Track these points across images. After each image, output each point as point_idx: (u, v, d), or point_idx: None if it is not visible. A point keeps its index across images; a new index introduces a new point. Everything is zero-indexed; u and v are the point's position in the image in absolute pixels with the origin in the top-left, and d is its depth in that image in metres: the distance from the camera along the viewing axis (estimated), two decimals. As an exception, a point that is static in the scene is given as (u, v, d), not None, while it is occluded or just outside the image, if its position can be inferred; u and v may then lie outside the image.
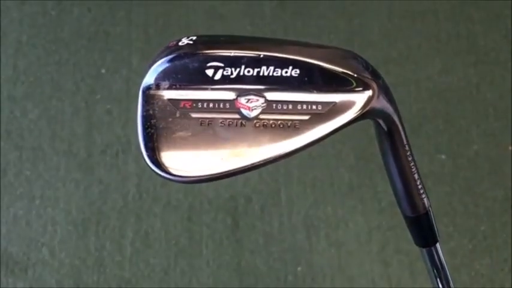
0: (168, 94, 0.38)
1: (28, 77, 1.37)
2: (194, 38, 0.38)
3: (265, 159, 0.37)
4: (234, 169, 0.37)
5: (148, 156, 0.38)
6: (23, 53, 1.40)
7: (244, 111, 0.37)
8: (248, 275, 1.18)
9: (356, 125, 1.32)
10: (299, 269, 1.19)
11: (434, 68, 1.38)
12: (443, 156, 1.29)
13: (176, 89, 0.38)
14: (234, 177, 1.21)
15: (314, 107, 0.37)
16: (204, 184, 1.25)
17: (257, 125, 0.37)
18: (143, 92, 0.38)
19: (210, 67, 0.37)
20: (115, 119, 1.33)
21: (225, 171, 0.37)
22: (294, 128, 0.37)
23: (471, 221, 1.23)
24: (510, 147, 1.30)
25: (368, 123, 1.29)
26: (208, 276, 1.18)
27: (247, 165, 0.37)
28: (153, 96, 0.38)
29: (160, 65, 0.38)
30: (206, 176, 0.37)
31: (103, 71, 1.38)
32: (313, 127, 0.37)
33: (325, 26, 1.44)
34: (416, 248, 1.26)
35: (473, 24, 1.44)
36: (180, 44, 0.38)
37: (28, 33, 1.43)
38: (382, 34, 1.43)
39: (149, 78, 0.38)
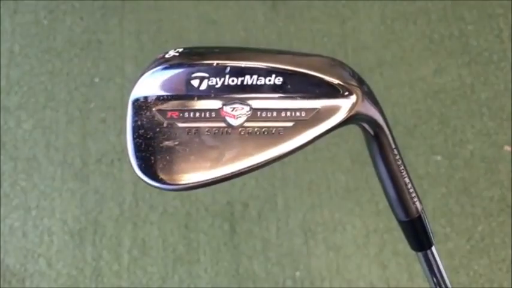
0: (155, 105, 0.39)
1: (21, 87, 1.37)
2: (180, 50, 0.39)
3: (251, 166, 0.38)
4: (220, 176, 0.38)
5: (138, 165, 0.38)
6: (16, 63, 1.40)
7: (230, 120, 0.38)
8: (246, 280, 1.18)
9: (351, 128, 1.32)
10: (297, 273, 1.18)
11: (428, 69, 1.39)
12: (438, 157, 1.29)
13: (163, 99, 0.39)
14: (230, 183, 1.21)
15: (298, 113, 0.38)
16: (200, 191, 1.25)
17: (242, 133, 0.38)
18: (133, 103, 0.39)
19: (196, 77, 0.38)
20: (109, 127, 1.32)
21: (212, 178, 0.38)
22: (278, 135, 0.38)
23: (468, 222, 1.23)
24: (505, 147, 1.30)
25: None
26: (206, 283, 1.17)
27: (234, 172, 0.37)
28: (141, 107, 0.39)
29: (147, 77, 0.39)
30: (194, 183, 0.38)
31: (96, 79, 1.38)
32: (297, 133, 0.38)
33: (318, 29, 1.44)
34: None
35: (465, 25, 1.44)
36: (166, 56, 0.39)
37: (21, 43, 1.42)
38: (375, 36, 1.43)
39: (137, 90, 0.39)
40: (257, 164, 0.37)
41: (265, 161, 0.38)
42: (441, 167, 1.28)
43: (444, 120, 1.33)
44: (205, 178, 0.38)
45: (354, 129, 1.38)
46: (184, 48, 0.39)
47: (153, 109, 0.39)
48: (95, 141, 1.31)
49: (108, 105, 1.35)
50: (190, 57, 0.39)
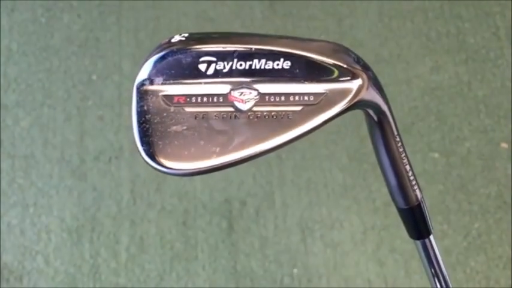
0: (161, 89, 0.38)
1: (19, 85, 1.37)
2: (186, 34, 0.39)
3: (261, 150, 0.37)
4: (230, 161, 0.37)
5: (144, 150, 0.38)
6: (14, 61, 1.40)
7: (238, 104, 0.38)
8: (244, 278, 1.18)
9: (348, 125, 1.32)
10: (295, 270, 1.19)
11: (425, 67, 1.39)
12: (436, 155, 1.29)
13: (170, 84, 0.38)
14: (228, 180, 1.21)
15: (306, 98, 0.38)
16: (198, 188, 1.25)
17: (251, 117, 0.38)
18: (137, 88, 0.39)
19: (203, 62, 0.38)
20: (107, 125, 1.32)
21: (222, 163, 0.37)
22: (287, 119, 0.38)
23: (465, 219, 1.23)
24: (502, 144, 1.31)
25: (360, 122, 1.28)
26: (204, 280, 1.18)
27: (244, 156, 0.37)
28: (147, 92, 0.39)
29: (153, 61, 0.38)
30: (203, 168, 0.38)
31: (94, 77, 1.38)
32: (306, 117, 0.38)
33: (315, 27, 1.44)
34: (411, 247, 1.27)
35: (462, 22, 1.45)
36: (172, 40, 0.39)
37: (18, 41, 1.42)
38: (373, 34, 1.43)
39: (143, 75, 0.39)
40: (267, 148, 0.37)
41: (275, 145, 0.37)
42: (438, 164, 1.28)
43: (441, 118, 1.33)
44: (215, 163, 0.37)
45: (351, 126, 1.38)
46: (190, 33, 0.39)
47: (160, 94, 0.38)
48: (93, 138, 1.31)
49: (106, 103, 1.35)
50: (198, 41, 0.38)
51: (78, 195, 1.25)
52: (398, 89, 1.35)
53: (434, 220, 1.22)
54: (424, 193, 0.49)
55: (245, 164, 1.26)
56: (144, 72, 0.39)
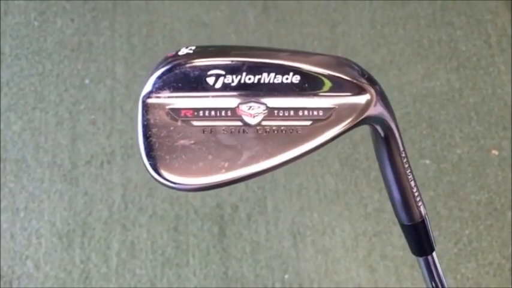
0: (168, 103, 0.38)
1: (11, 89, 1.37)
2: (193, 47, 0.38)
3: (271, 165, 0.37)
4: (239, 176, 0.37)
5: (151, 165, 0.37)
6: (6, 64, 1.39)
7: (247, 118, 0.37)
8: (235, 283, 1.18)
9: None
10: (286, 276, 1.18)
11: (417, 74, 1.40)
12: (427, 161, 1.30)
13: (177, 97, 0.38)
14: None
15: (315, 112, 0.38)
16: (190, 193, 1.25)
17: (260, 132, 0.37)
18: (143, 101, 0.38)
19: (211, 75, 0.37)
20: (99, 129, 1.32)
21: (231, 179, 0.37)
22: (296, 134, 0.37)
23: (456, 225, 1.24)
24: (493, 151, 1.31)
25: (355, 130, 1.29)
26: (195, 285, 1.17)
27: (253, 172, 0.37)
28: (154, 105, 0.38)
29: (160, 74, 0.38)
30: (211, 183, 0.37)
31: (87, 81, 1.38)
32: (315, 132, 0.38)
33: (308, 33, 1.45)
34: (402, 254, 1.27)
35: (454, 30, 1.46)
36: (179, 53, 0.38)
37: (11, 44, 1.42)
38: (365, 41, 1.44)
39: (149, 88, 0.38)
40: (277, 163, 0.37)
41: (285, 160, 0.37)
42: (429, 171, 1.29)
43: (433, 124, 1.34)
44: (224, 178, 0.37)
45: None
46: (197, 46, 0.38)
47: (166, 107, 0.38)
48: (85, 143, 1.30)
49: (98, 107, 1.34)
50: (206, 54, 0.38)
51: (69, 200, 1.25)
52: (390, 95, 1.35)
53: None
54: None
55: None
56: (150, 85, 0.38)
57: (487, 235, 1.23)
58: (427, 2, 1.49)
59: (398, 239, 1.20)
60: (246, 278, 1.18)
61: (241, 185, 1.26)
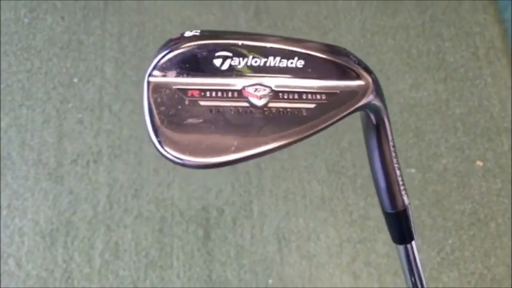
0: (175, 82, 0.38)
1: (-2, 85, 1.35)
2: (199, 31, 0.39)
3: (278, 145, 0.38)
4: (248, 155, 0.37)
5: (160, 142, 0.37)
6: (-6, 60, 1.38)
7: (253, 100, 0.38)
8: (219, 287, 1.17)
9: (328, 138, 1.32)
10: (270, 281, 1.18)
11: (405, 83, 1.41)
12: (412, 170, 1.31)
13: (184, 77, 0.38)
14: (206, 188, 1.20)
15: (318, 96, 0.39)
16: (176, 195, 1.25)
17: (266, 113, 0.38)
18: (149, 81, 0.38)
19: (218, 57, 0.38)
20: (86, 128, 1.31)
21: (240, 157, 0.37)
22: (302, 115, 0.39)
23: (439, 234, 1.25)
24: (477, 162, 1.33)
25: (341, 135, 1.29)
26: (178, 288, 1.17)
27: (261, 151, 0.37)
28: (160, 84, 0.38)
29: (165, 55, 0.38)
30: (222, 161, 0.37)
31: (75, 80, 1.37)
32: (319, 115, 0.39)
33: (299, 39, 1.45)
34: (386, 261, 1.28)
35: (443, 41, 1.48)
36: (185, 35, 0.39)
37: (0, 41, 1.41)
38: (355, 49, 1.45)
39: (155, 67, 0.38)
40: (284, 143, 0.38)
41: (293, 140, 0.38)
42: (415, 180, 1.30)
43: (419, 134, 1.35)
44: (233, 157, 0.37)
45: (330, 139, 1.39)
46: (203, 30, 0.39)
47: (173, 87, 0.38)
48: (71, 141, 1.29)
49: (86, 106, 1.34)
50: (214, 36, 0.39)
51: (53, 198, 1.24)
52: (378, 104, 1.37)
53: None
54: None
55: (224, 172, 1.26)
56: (155, 65, 0.38)
57: (469, 245, 1.24)
58: (417, 13, 1.51)
59: (383, 246, 1.21)
60: (229, 282, 1.18)
61: (228, 188, 1.26)
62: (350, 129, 1.28)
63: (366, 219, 1.24)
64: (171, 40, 0.39)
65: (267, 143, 0.38)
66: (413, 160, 1.32)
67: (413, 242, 0.52)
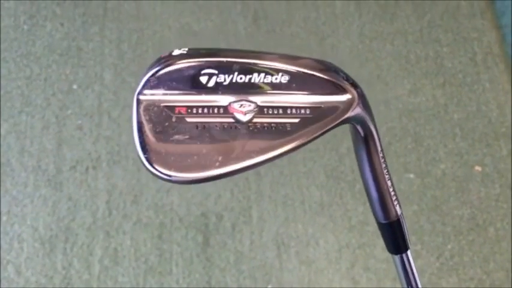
0: (163, 100, 0.39)
1: (-3, 91, 1.36)
2: (186, 49, 0.40)
3: (262, 159, 0.39)
4: (233, 169, 0.38)
5: (147, 158, 0.38)
6: (-7, 67, 1.38)
7: (238, 115, 0.39)
8: (218, 293, 1.17)
9: (327, 143, 1.33)
10: (269, 286, 1.18)
11: (403, 89, 1.42)
12: (411, 175, 1.31)
13: (171, 95, 0.39)
14: (205, 194, 1.20)
15: (303, 111, 0.40)
16: (175, 201, 1.25)
17: (251, 128, 0.39)
18: (137, 98, 0.40)
19: (204, 74, 0.39)
20: (86, 134, 1.31)
21: (224, 172, 0.38)
22: (286, 130, 0.39)
23: (438, 239, 1.25)
24: (476, 167, 1.33)
25: (339, 141, 1.29)
26: (177, 294, 1.17)
27: (246, 166, 0.38)
28: (149, 102, 0.39)
29: (154, 73, 0.39)
30: (206, 176, 0.38)
31: (75, 86, 1.37)
32: (303, 129, 0.40)
33: (297, 45, 1.46)
34: (384, 266, 1.28)
35: (441, 47, 1.48)
36: (173, 54, 0.40)
37: (-1, 47, 1.41)
38: (353, 54, 1.46)
39: (144, 86, 0.40)
40: (268, 157, 0.38)
41: (276, 155, 0.39)
42: (413, 185, 1.30)
43: (418, 139, 1.35)
44: (217, 172, 0.38)
45: (329, 144, 1.39)
46: (190, 48, 0.40)
47: (161, 104, 0.39)
48: (70, 148, 1.30)
49: (85, 112, 1.34)
50: (199, 54, 0.40)
51: (52, 205, 1.24)
52: (377, 109, 1.37)
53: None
54: (399, 213, 0.50)
55: (223, 178, 1.24)
56: (145, 84, 0.39)
57: (468, 250, 1.24)
58: (415, 19, 1.52)
59: (382, 252, 1.21)
60: (229, 288, 1.18)
61: (227, 194, 1.26)
62: (348, 135, 1.28)
63: (365, 224, 1.24)
64: (160, 58, 0.40)
65: (251, 157, 0.38)
66: (412, 165, 1.32)
67: (408, 252, 0.53)
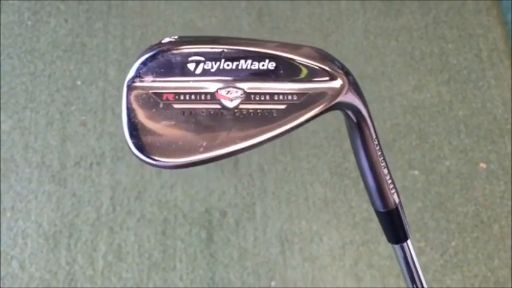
0: (151, 86, 0.40)
1: (2, 87, 1.36)
2: (176, 37, 0.41)
3: (246, 146, 0.39)
4: (216, 155, 0.39)
5: (134, 143, 0.39)
6: (-2, 63, 1.39)
7: (225, 102, 0.39)
8: (222, 289, 1.17)
9: (331, 140, 1.32)
10: (273, 283, 1.18)
11: (408, 85, 1.41)
12: (416, 172, 1.31)
13: (159, 82, 0.40)
14: (209, 191, 1.20)
15: (289, 97, 0.40)
16: (179, 197, 1.25)
17: (237, 114, 0.39)
18: (128, 85, 0.40)
19: (192, 61, 0.39)
20: (90, 130, 1.32)
21: (208, 157, 0.39)
22: (272, 117, 0.39)
23: (443, 236, 1.24)
24: (481, 164, 1.33)
25: (343, 138, 1.29)
26: (181, 290, 1.17)
27: (229, 151, 0.39)
28: (137, 88, 0.40)
29: (144, 60, 0.40)
30: (189, 161, 0.39)
31: (79, 82, 1.37)
32: (290, 115, 0.39)
33: (302, 41, 1.45)
34: (388, 263, 1.27)
35: (446, 43, 1.47)
36: (163, 41, 0.40)
37: (3, 43, 1.41)
38: (358, 51, 1.45)
39: (133, 73, 0.40)
40: (252, 143, 0.39)
41: (260, 141, 0.39)
42: (418, 182, 1.29)
43: (422, 136, 1.35)
44: (202, 157, 0.38)
45: (333, 141, 1.38)
46: (179, 36, 0.41)
47: (150, 91, 0.40)
48: (74, 144, 1.30)
49: (89, 109, 1.34)
50: (187, 42, 0.40)
51: (56, 201, 1.24)
52: (381, 106, 1.37)
53: (412, 237, 1.23)
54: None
55: (227, 174, 1.26)
56: (134, 70, 0.40)
57: (473, 247, 1.23)
58: (420, 15, 1.51)
59: (385, 248, 1.20)
60: (232, 284, 1.18)
61: (231, 190, 1.26)
62: (353, 131, 1.28)
63: (369, 221, 1.24)
64: (150, 46, 0.40)
65: (235, 143, 0.39)
66: (417, 162, 1.32)
67: (408, 241, 0.52)
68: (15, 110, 1.33)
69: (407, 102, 1.39)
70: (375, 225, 1.23)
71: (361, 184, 1.39)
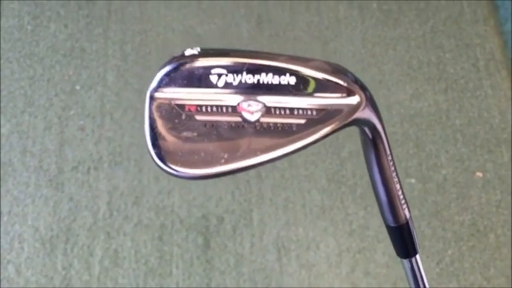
0: (174, 98, 0.41)
1: (1, 91, 1.36)
2: (199, 49, 0.41)
3: (266, 159, 0.40)
4: (237, 167, 0.39)
5: (156, 153, 0.40)
6: (-3, 67, 1.39)
7: (246, 115, 0.40)
8: (218, 295, 1.17)
9: (329, 147, 1.33)
10: (269, 290, 1.18)
11: (405, 94, 1.42)
12: (412, 180, 1.31)
13: (182, 93, 0.41)
14: (206, 197, 1.20)
15: (309, 112, 0.41)
16: (176, 203, 1.25)
17: (258, 127, 0.40)
18: (150, 95, 0.41)
19: (214, 74, 0.40)
20: (88, 135, 1.32)
21: (230, 169, 0.39)
22: (292, 131, 0.40)
23: (439, 245, 1.25)
24: (477, 173, 1.33)
25: (341, 145, 1.29)
26: (177, 296, 1.17)
27: (250, 164, 0.39)
28: (160, 99, 0.41)
29: (167, 72, 0.41)
30: (212, 172, 0.39)
31: (77, 87, 1.38)
32: (309, 130, 0.41)
33: (300, 49, 1.46)
34: (385, 271, 1.28)
35: (443, 53, 1.48)
36: (186, 53, 0.41)
37: (3, 47, 1.42)
38: (356, 59, 1.46)
39: (156, 83, 0.41)
40: (273, 157, 0.39)
41: (281, 154, 0.40)
42: (414, 190, 1.30)
43: (419, 144, 1.36)
44: (223, 169, 0.39)
45: (331, 148, 1.39)
46: (202, 48, 0.42)
47: (172, 102, 0.40)
48: (72, 148, 1.30)
49: (88, 113, 1.34)
50: (210, 54, 0.41)
51: (54, 205, 1.24)
52: (379, 114, 1.38)
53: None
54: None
55: (224, 180, 1.26)
56: (157, 81, 0.41)
57: (469, 256, 1.24)
58: (418, 24, 1.52)
59: (382, 256, 1.21)
60: (228, 291, 1.18)
61: (228, 197, 1.26)
62: (350, 139, 1.28)
63: (366, 229, 1.24)
64: (173, 58, 0.41)
65: (256, 155, 0.39)
66: (413, 170, 1.32)
67: (417, 256, 0.53)
68: (13, 114, 1.33)
69: (405, 110, 1.39)
70: (372, 232, 1.24)
71: (358, 192, 1.40)
